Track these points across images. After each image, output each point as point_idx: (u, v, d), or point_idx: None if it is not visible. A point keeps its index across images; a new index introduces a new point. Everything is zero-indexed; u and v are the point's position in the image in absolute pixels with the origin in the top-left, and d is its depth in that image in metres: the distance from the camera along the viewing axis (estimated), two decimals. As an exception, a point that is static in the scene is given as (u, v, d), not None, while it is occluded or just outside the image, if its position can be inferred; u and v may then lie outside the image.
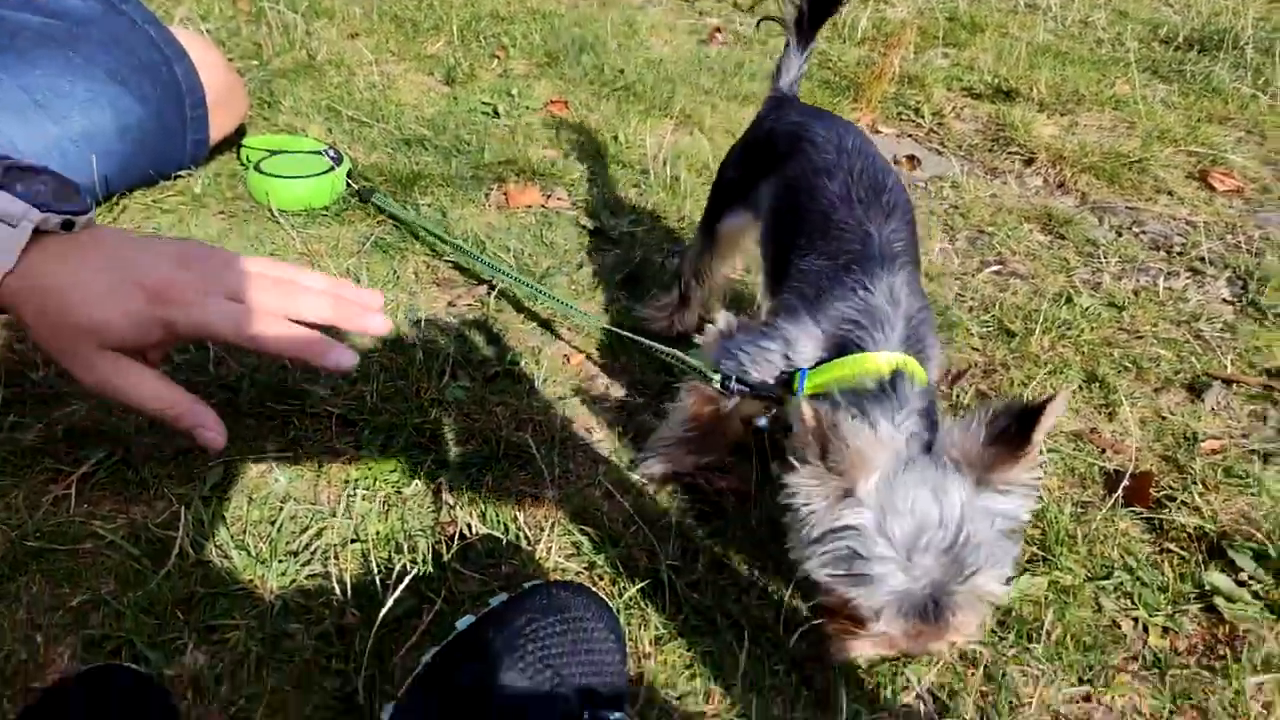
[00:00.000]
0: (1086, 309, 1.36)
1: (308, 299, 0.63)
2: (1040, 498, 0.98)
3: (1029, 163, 1.84)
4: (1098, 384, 1.20)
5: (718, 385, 0.85)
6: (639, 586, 0.84)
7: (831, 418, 0.64)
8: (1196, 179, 1.85)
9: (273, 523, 0.87)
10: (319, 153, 1.43)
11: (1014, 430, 0.65)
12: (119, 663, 0.71)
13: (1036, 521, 0.98)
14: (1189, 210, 1.73)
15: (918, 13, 2.69)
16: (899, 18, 2.63)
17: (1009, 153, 1.88)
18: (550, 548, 0.88)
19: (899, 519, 0.65)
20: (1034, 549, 0.95)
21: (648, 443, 1.00)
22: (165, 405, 0.65)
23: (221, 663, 0.75)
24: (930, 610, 0.65)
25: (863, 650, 0.70)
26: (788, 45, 1.13)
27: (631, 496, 0.96)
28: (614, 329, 1.08)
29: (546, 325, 1.23)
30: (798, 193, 0.94)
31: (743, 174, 1.09)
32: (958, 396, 1.16)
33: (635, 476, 0.99)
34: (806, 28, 1.10)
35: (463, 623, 0.67)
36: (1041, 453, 0.77)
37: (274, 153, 1.42)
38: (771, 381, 0.84)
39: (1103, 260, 1.52)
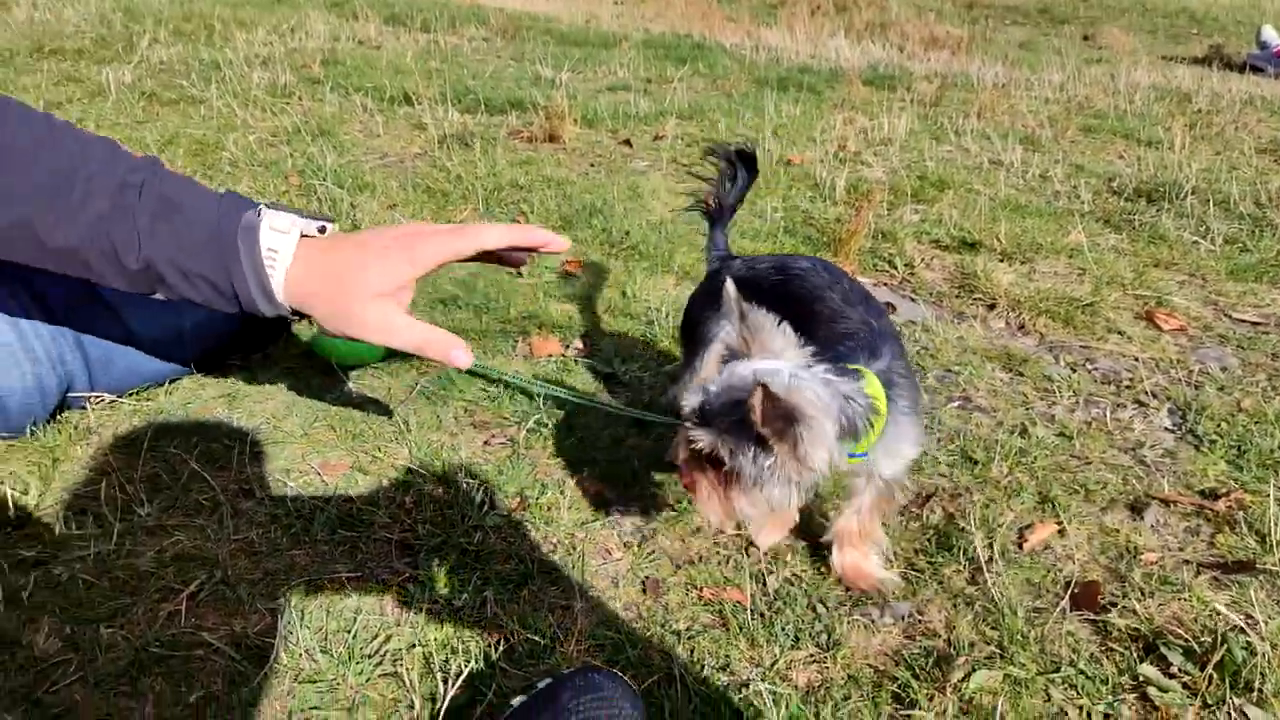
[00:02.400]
0: (1041, 439, 1.55)
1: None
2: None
3: (991, 307, 2.08)
4: (1050, 505, 1.38)
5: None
6: (654, 679, 1.00)
7: None
8: (1144, 319, 2.08)
9: (348, 631, 1.04)
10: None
11: None
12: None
13: (994, 624, 1.15)
14: (1137, 348, 1.95)
15: (891, 172, 3.01)
16: (874, 177, 2.94)
17: (973, 299, 2.12)
18: (580, 649, 1.04)
19: None
20: (991, 647, 1.11)
21: None
22: (424, 338, 1.02)
23: (312, 747, 0.91)
24: None
25: None
26: (713, 226, 1.43)
27: (645, 608, 1.13)
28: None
29: (568, 462, 1.42)
30: (802, 304, 1.19)
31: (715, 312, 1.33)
32: (926, 517, 1.34)
33: (644, 595, 1.16)
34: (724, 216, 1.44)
35: (516, 701, 0.83)
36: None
37: (334, 315, 1.66)
38: None
39: (1057, 395, 1.72)
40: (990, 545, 1.26)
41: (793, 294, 1.22)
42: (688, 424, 0.99)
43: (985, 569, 1.22)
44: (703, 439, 0.96)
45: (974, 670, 1.07)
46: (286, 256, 1.00)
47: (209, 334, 1.48)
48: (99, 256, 0.96)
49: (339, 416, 1.47)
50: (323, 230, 1.04)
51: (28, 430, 1.33)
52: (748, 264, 1.34)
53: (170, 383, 1.50)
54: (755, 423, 0.88)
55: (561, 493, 1.34)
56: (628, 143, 3.25)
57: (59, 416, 1.39)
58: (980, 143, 3.43)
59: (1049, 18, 9.35)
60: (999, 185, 2.90)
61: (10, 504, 1.19)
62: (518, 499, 1.31)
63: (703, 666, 1.04)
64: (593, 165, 2.98)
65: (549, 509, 1.30)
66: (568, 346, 1.78)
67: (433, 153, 2.93)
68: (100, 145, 1.00)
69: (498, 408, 1.54)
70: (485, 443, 1.45)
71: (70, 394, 1.37)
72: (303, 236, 1.02)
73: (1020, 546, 1.29)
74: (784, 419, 0.88)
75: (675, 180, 2.87)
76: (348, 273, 0.99)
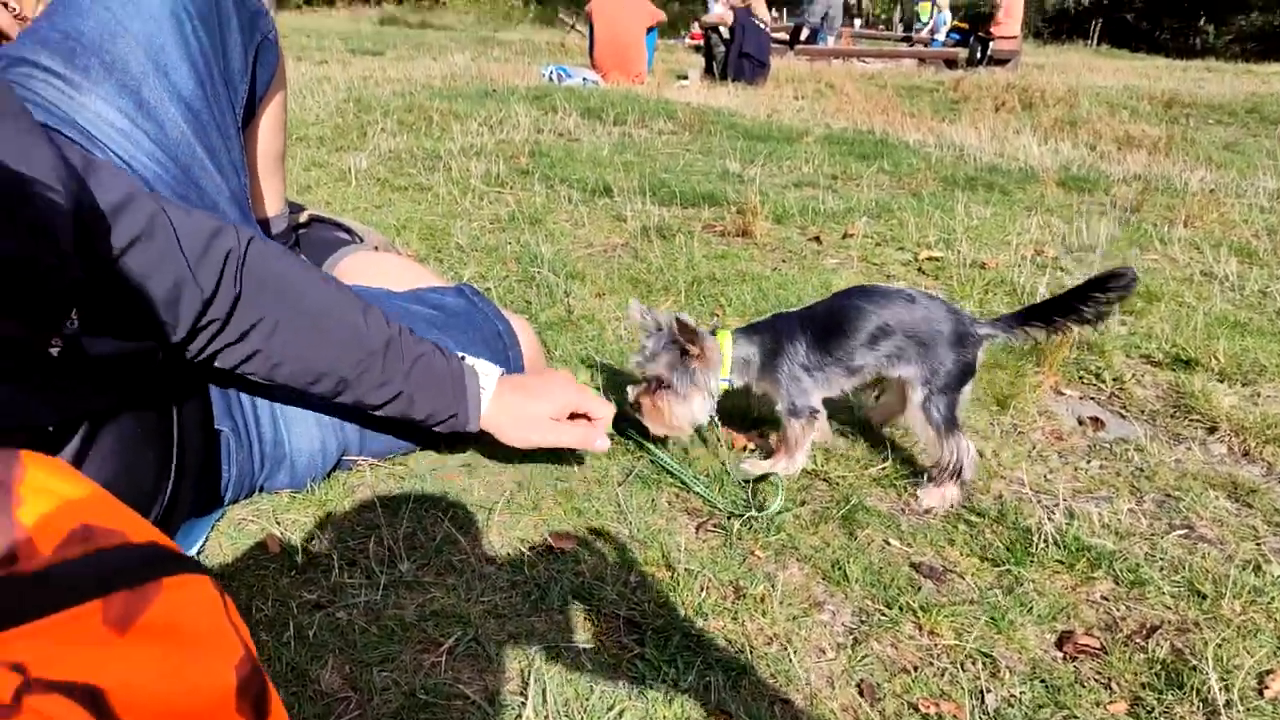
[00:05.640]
0: (1278, 578, 1.47)
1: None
2: None
3: (1211, 430, 1.99)
4: (1291, 651, 1.31)
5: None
6: (879, 785, 1.03)
7: None
8: (1389, 454, 1.93)
9: (586, 699, 1.13)
10: (596, 399, 1.81)
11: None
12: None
13: (1234, 772, 1.10)
14: (1382, 485, 1.81)
15: (1094, 280, 2.93)
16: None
17: (1191, 420, 2.03)
18: (802, 745, 1.09)
19: None
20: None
21: None
22: (581, 436, 1.55)
23: (559, 806, 0.99)
24: None
25: None
26: None
27: (862, 713, 1.16)
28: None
29: (778, 556, 1.48)
30: None
31: None
32: (1153, 650, 1.29)
33: (860, 698, 1.19)
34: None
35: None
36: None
37: (560, 397, 1.81)
38: None
39: (1291, 530, 1.62)
40: (1227, 688, 1.21)
41: None
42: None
43: (1222, 712, 1.17)
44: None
45: None
46: (488, 397, 1.49)
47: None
48: (370, 387, 1.39)
49: (565, 493, 1.59)
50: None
51: (308, 485, 1.53)
52: None
53: (421, 449, 1.68)
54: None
55: (772, 586, 1.39)
56: (817, 239, 3.33)
57: (331, 475, 1.58)
58: (1189, 253, 3.30)
59: (1258, 117, 8.83)
60: (1213, 299, 2.78)
61: (299, 550, 1.37)
62: (732, 588, 1.37)
63: (924, 777, 1.06)
64: (784, 260, 3.08)
65: (762, 600, 1.35)
66: (764, 439, 1.85)
67: (633, 244, 3.12)
68: (365, 307, 1.39)
69: (702, 493, 1.62)
70: (698, 529, 1.53)
71: (343, 457, 1.56)
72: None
73: (1261, 693, 1.23)
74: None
75: (865, 277, 2.92)
76: (521, 406, 1.52)
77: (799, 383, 1.63)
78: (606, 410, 1.59)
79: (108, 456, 1.05)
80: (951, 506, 1.62)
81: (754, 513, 1.55)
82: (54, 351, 0.90)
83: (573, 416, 1.57)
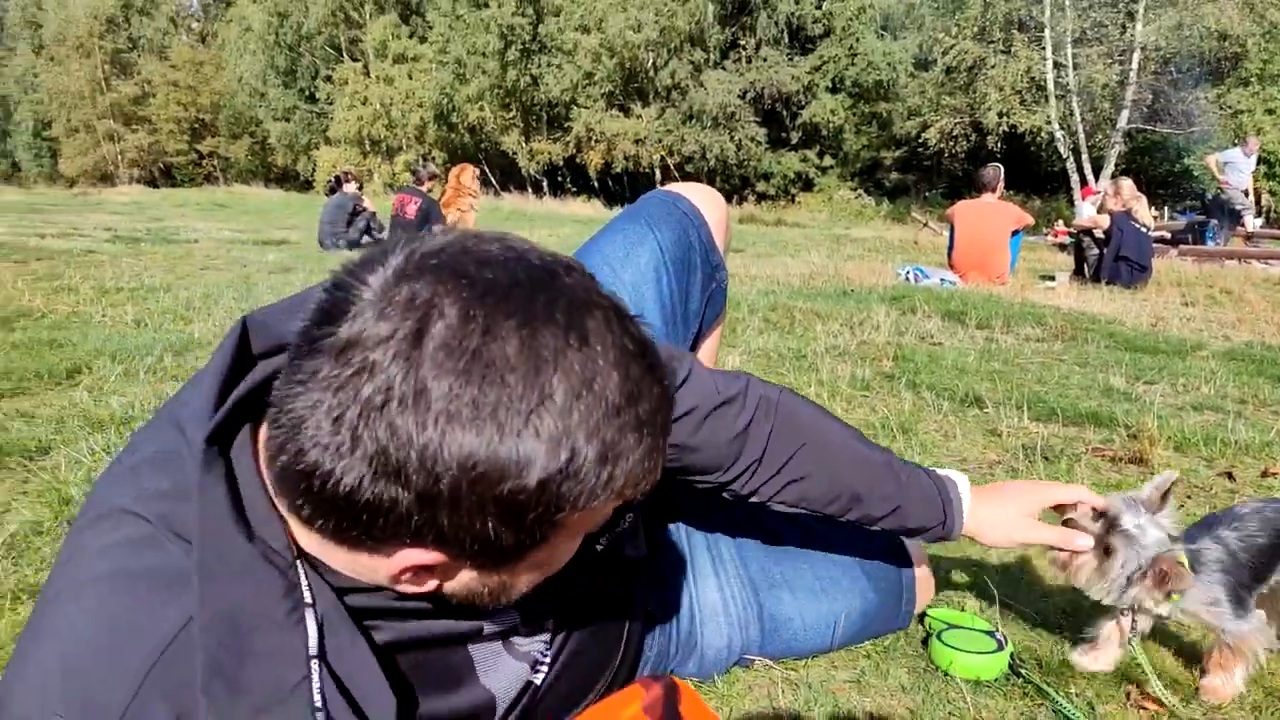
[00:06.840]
0: None
1: None
2: None
3: None
4: None
5: None
6: None
7: None
8: None
9: None
10: (989, 634, 1.77)
11: None
12: None
13: None
14: None
15: None
16: None
17: None
18: None
19: None
20: None
21: None
22: (1060, 537, 1.63)
23: None
24: None
25: None
26: None
27: None
28: None
29: None
30: None
31: None
32: None
33: None
34: None
35: None
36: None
37: (951, 626, 1.79)
38: None
39: None
40: None
41: None
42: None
43: None
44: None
45: None
46: (968, 504, 1.59)
47: (854, 627, 1.72)
48: (876, 502, 1.51)
49: (960, 731, 1.56)
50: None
51: (712, 677, 1.65)
52: None
53: (812, 658, 1.75)
54: None
55: None
56: (1229, 475, 3.00)
57: (731, 670, 1.70)
58: None
59: None
60: None
61: (711, 740, 1.48)
62: None
63: None
64: (1190, 497, 2.80)
65: None
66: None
67: (1012, 463, 3.03)
68: (858, 433, 1.56)
69: (1122, 765, 1.49)
70: (1113, 802, 1.41)
71: (743, 654, 1.67)
72: None
73: None
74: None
75: (1299, 528, 2.55)
76: (996, 510, 1.61)
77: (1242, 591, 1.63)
78: (1079, 494, 1.67)
79: (594, 624, 1.26)
80: None
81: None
82: (599, 548, 1.13)
83: None
